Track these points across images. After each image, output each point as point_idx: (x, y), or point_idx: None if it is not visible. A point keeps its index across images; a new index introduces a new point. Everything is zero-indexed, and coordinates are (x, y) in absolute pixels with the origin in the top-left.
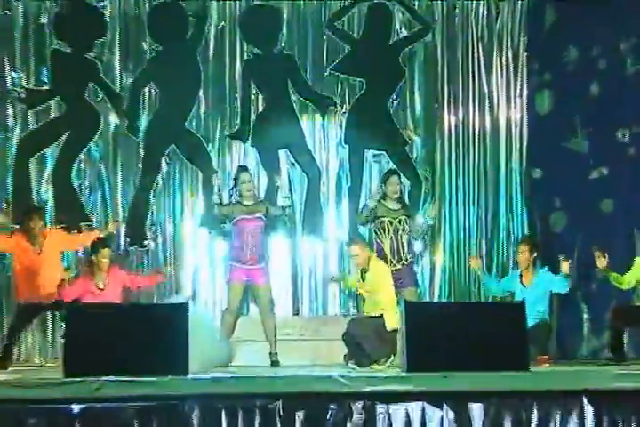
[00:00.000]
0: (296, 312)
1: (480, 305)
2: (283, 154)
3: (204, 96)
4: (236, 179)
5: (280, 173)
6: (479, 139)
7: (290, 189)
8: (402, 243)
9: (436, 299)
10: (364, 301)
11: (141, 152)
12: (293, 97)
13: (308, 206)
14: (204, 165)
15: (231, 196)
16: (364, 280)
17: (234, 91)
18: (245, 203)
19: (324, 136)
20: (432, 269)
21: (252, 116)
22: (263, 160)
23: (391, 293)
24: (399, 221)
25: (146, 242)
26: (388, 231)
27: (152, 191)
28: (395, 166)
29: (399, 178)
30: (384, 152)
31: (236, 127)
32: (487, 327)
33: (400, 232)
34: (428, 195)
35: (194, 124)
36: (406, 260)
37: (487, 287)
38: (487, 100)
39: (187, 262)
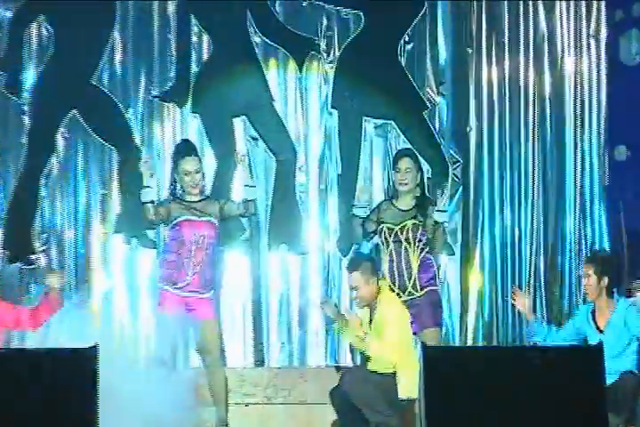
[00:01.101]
0: (259, 362)
1: (535, 350)
2: (239, 124)
3: (121, 38)
4: (175, 164)
5: (239, 151)
6: (533, 103)
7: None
8: (408, 262)
9: (469, 342)
10: (367, 359)
11: (26, 120)
12: (255, 38)
13: (279, 204)
14: (120, 141)
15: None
16: (370, 323)
17: (165, 31)
18: (189, 200)
19: (302, 97)
20: (463, 299)
21: (193, 69)
22: (210, 133)
23: (409, 344)
24: (405, 230)
25: (34, 257)
26: (387, 245)
27: (42, 180)
28: (408, 143)
29: (413, 161)
30: (392, 121)
31: (169, 84)
32: (546, 383)
33: (406, 246)
34: (457, 185)
35: (105, 79)
36: (418, 289)
37: (540, 338)
38: (545, 45)
39: (94, 286)
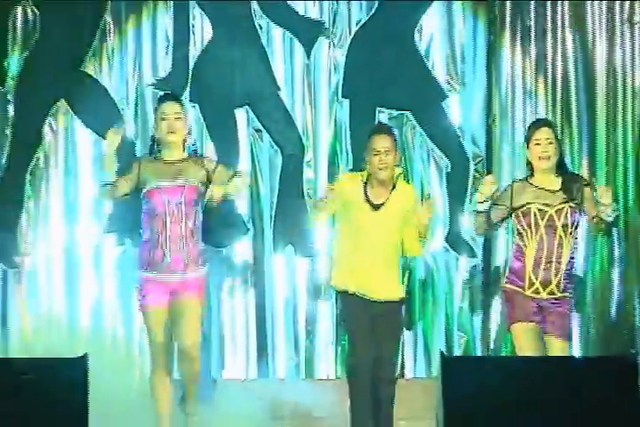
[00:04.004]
0: (264, 374)
1: (561, 361)
2: (242, 115)
3: (113, 21)
4: (155, 115)
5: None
6: (562, 91)
7: (253, 174)
8: (560, 254)
9: (494, 351)
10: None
11: (10, 110)
12: (260, 21)
13: (285, 202)
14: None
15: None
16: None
17: (161, 13)
18: (167, 159)
19: (311, 85)
20: (486, 304)
21: (192, 54)
22: (210, 125)
23: None
24: (562, 214)
25: (17, 259)
26: (536, 230)
27: (27, 176)
28: (425, 136)
29: (553, 132)
30: (408, 112)
31: (167, 72)
32: (575, 397)
33: (561, 234)
34: (479, 182)
35: (96, 66)
36: (561, 289)
37: None
38: (576, 30)
39: (84, 290)
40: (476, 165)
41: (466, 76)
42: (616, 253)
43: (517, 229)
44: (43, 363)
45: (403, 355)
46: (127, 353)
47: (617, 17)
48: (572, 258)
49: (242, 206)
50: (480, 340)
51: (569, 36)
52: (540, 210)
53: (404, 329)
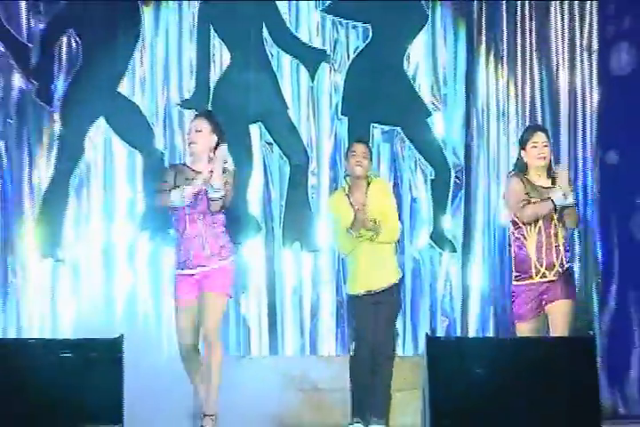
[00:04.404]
0: (275, 351)
1: (532, 342)
2: (255, 130)
3: (146, 50)
4: (189, 129)
5: None
6: (530, 110)
7: (265, 181)
8: (557, 240)
9: (472, 333)
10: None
11: (57, 127)
12: (270, 50)
13: (292, 204)
14: (144, 145)
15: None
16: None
17: (186, 42)
18: (193, 167)
19: (314, 105)
20: (464, 293)
21: (212, 77)
22: (228, 138)
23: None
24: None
25: (63, 253)
26: (536, 221)
27: (71, 183)
28: (413, 148)
29: (546, 135)
30: (398, 128)
31: (191, 93)
32: (542, 373)
33: (556, 223)
34: (459, 187)
35: (131, 88)
36: (564, 266)
37: None
38: (542, 57)
39: (119, 280)
40: (456, 173)
41: (447, 98)
42: (577, 249)
43: (516, 223)
44: (85, 342)
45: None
46: (157, 334)
47: (577, 45)
48: (565, 240)
49: (255, 209)
50: (459, 323)
51: (536, 63)
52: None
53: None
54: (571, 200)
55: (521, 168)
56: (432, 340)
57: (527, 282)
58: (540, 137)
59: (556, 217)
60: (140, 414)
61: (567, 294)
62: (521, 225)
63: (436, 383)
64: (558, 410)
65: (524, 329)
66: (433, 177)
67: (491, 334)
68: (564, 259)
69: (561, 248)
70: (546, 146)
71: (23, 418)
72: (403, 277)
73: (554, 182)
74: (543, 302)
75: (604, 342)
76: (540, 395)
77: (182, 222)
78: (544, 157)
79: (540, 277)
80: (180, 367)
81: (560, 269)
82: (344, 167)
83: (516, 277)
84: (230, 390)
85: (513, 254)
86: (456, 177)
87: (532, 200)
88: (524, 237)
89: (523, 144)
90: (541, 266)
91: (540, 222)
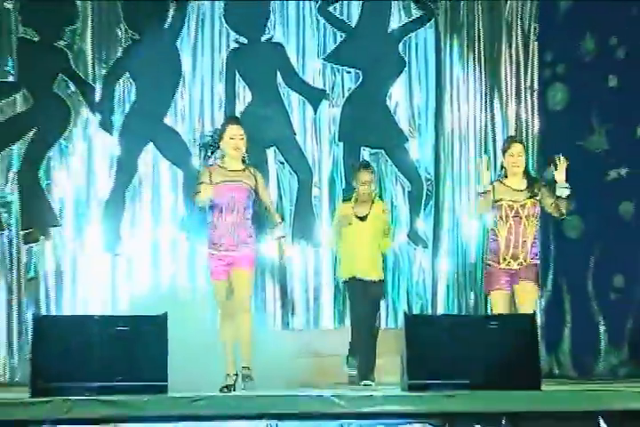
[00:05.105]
0: (286, 325)
1: (488, 318)
2: (271, 152)
3: (185, 89)
4: (221, 132)
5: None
6: (485, 136)
7: (279, 192)
8: (525, 236)
9: (440, 310)
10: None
11: (117, 150)
12: (282, 89)
13: (299, 210)
14: (183, 164)
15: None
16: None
17: (217, 83)
18: (228, 167)
19: (317, 132)
20: (434, 281)
21: (237, 110)
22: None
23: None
24: (526, 207)
25: (120, 248)
26: (507, 219)
27: (127, 194)
28: (394, 166)
29: (524, 147)
30: (382, 150)
31: (220, 123)
32: (495, 342)
33: (525, 222)
34: (430, 198)
35: (174, 119)
36: (528, 259)
37: None
38: (495, 94)
39: (165, 269)
40: (427, 186)
41: (421, 128)
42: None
43: (493, 219)
44: (137, 318)
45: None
46: (193, 311)
47: (522, 86)
48: (535, 238)
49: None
50: (430, 303)
51: (490, 99)
52: (509, 205)
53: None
54: (568, 192)
55: (502, 173)
56: (409, 316)
57: (495, 266)
58: (516, 148)
59: (524, 217)
60: (179, 374)
61: (531, 278)
62: (496, 221)
63: (412, 350)
64: (509, 371)
65: (497, 297)
66: (409, 189)
67: (455, 311)
68: (528, 253)
69: (528, 244)
70: (520, 156)
71: (92, 375)
72: (385, 270)
73: (529, 186)
74: (510, 282)
75: (543, 319)
76: (494, 359)
77: (220, 212)
78: (518, 166)
79: (506, 265)
80: (212, 337)
81: (523, 262)
82: (354, 185)
83: (488, 259)
84: (252, 357)
85: (488, 243)
86: (427, 189)
87: (505, 201)
88: (497, 232)
89: (503, 153)
90: (507, 256)
91: (511, 220)
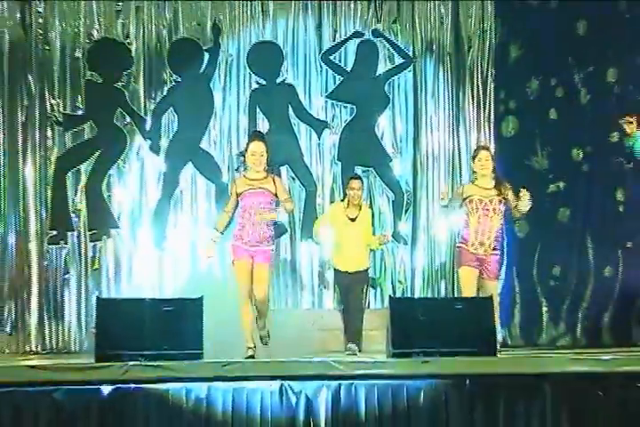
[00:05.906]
0: (295, 305)
1: (455, 300)
2: (284, 170)
3: (217, 120)
4: (246, 146)
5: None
6: (452, 158)
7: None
8: (491, 227)
9: (417, 294)
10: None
11: (163, 168)
12: (293, 120)
13: (306, 215)
14: (216, 179)
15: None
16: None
17: (241, 115)
18: (252, 177)
19: (320, 154)
20: (412, 273)
21: None
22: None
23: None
24: (493, 202)
25: (164, 245)
26: (476, 211)
27: (171, 203)
28: (381, 180)
29: (490, 154)
30: (371, 168)
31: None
32: (461, 319)
33: (492, 215)
34: (409, 205)
35: (208, 144)
36: (493, 248)
37: None
38: (461, 125)
39: (202, 261)
40: (407, 197)
41: (402, 150)
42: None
43: (465, 211)
44: (179, 300)
45: (368, 296)
46: (224, 295)
47: (482, 116)
48: (500, 231)
49: (283, 218)
50: (409, 288)
51: (456, 128)
52: (479, 200)
53: (370, 286)
54: (527, 209)
55: (473, 177)
56: (393, 298)
57: (465, 248)
58: (482, 155)
59: (491, 210)
60: (213, 344)
61: (494, 275)
62: (467, 213)
63: (395, 325)
64: (471, 341)
65: (465, 272)
66: (393, 199)
67: (429, 295)
68: (492, 241)
69: (493, 234)
70: (487, 160)
71: (144, 345)
72: (373, 262)
73: (497, 185)
74: (477, 264)
75: (498, 300)
76: (460, 332)
77: (246, 213)
78: (486, 168)
79: (474, 250)
80: (237, 315)
81: (488, 248)
82: (345, 191)
83: (460, 242)
84: (270, 330)
85: (461, 227)
86: (407, 199)
87: (475, 196)
88: (468, 221)
89: (472, 159)
90: (476, 242)
91: (480, 212)
